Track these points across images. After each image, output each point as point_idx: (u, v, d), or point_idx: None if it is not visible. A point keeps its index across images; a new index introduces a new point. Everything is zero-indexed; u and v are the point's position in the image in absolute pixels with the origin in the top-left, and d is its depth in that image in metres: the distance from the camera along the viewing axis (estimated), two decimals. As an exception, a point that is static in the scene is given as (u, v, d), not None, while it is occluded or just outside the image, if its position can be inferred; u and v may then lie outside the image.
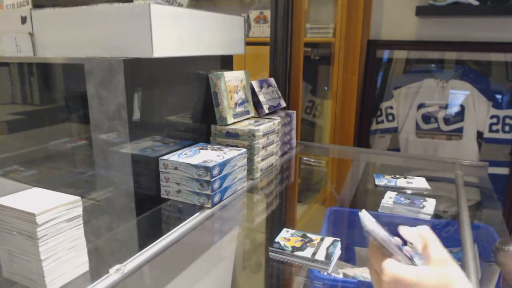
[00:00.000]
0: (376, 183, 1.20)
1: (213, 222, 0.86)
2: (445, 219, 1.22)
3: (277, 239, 0.85)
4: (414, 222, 1.00)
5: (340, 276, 1.03)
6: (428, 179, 1.22)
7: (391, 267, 0.46)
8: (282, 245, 0.83)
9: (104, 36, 0.83)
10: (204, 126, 1.06)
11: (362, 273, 1.07)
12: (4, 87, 1.02)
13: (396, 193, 1.11)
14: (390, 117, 2.02)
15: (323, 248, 0.83)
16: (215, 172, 0.84)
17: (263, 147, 1.06)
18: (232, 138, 1.03)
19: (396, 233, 0.50)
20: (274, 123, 1.11)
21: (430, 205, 1.04)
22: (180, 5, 0.96)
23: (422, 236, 0.50)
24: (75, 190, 0.93)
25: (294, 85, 1.54)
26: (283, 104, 1.32)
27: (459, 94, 1.90)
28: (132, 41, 0.81)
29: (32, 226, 0.54)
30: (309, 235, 0.87)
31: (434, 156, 1.89)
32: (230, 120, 1.05)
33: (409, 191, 1.15)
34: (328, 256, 0.81)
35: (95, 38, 0.84)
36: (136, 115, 0.83)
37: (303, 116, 2.28)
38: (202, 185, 0.84)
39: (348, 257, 1.20)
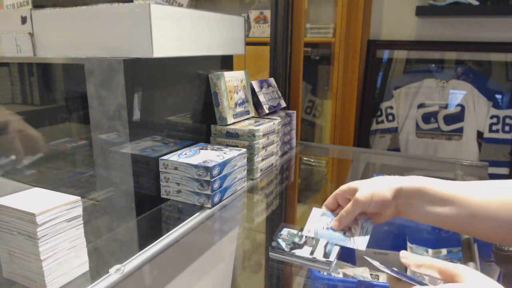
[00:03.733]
0: (376, 183, 1.19)
1: (213, 222, 0.86)
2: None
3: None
4: (414, 221, 1.00)
5: (340, 276, 1.03)
6: (428, 179, 1.21)
7: None
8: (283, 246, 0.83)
9: (104, 36, 0.83)
10: (204, 126, 1.06)
11: (362, 273, 1.07)
12: (4, 87, 1.02)
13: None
14: (390, 117, 2.02)
15: (323, 248, 0.83)
16: (215, 172, 0.84)
17: (263, 147, 1.06)
18: (232, 138, 1.03)
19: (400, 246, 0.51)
20: (274, 123, 1.11)
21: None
22: (180, 5, 0.96)
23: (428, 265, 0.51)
24: (75, 190, 0.93)
25: (294, 85, 1.54)
26: (283, 104, 1.32)
27: (459, 94, 1.90)
28: (132, 41, 0.81)
29: (32, 226, 0.54)
30: (309, 235, 0.87)
31: (434, 156, 1.89)
32: (230, 120, 1.05)
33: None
34: (328, 256, 0.81)
35: (95, 38, 0.84)
36: (136, 115, 0.83)
37: (303, 116, 2.28)
38: (202, 185, 0.84)
39: (348, 257, 1.19)
